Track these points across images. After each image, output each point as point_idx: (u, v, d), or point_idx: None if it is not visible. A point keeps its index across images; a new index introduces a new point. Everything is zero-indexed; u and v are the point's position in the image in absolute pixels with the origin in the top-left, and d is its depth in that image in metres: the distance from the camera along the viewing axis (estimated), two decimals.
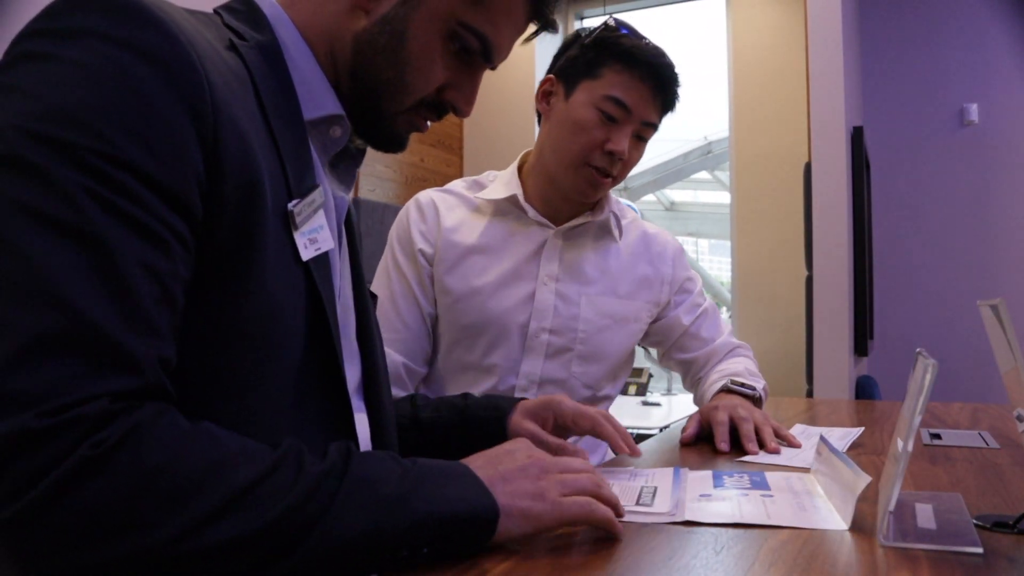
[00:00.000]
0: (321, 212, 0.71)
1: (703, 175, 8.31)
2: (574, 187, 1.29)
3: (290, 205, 0.67)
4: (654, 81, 1.24)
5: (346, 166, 0.81)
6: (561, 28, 4.45)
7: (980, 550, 0.62)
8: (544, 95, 1.32)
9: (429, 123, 0.80)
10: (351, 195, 0.83)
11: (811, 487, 0.84)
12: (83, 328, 0.50)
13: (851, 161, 2.98)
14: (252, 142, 0.64)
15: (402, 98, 0.75)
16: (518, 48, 0.82)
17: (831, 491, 0.78)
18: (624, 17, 1.29)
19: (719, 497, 0.79)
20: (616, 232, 1.39)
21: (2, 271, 0.51)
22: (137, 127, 0.56)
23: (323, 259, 0.71)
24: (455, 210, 1.36)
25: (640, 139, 1.30)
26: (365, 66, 0.74)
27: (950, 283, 3.68)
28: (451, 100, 0.78)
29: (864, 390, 3.02)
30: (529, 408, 1.00)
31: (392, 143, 0.80)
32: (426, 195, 1.37)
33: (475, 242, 1.32)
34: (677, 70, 1.28)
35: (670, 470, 0.91)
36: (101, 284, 0.52)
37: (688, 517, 0.69)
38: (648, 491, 0.81)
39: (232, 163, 0.61)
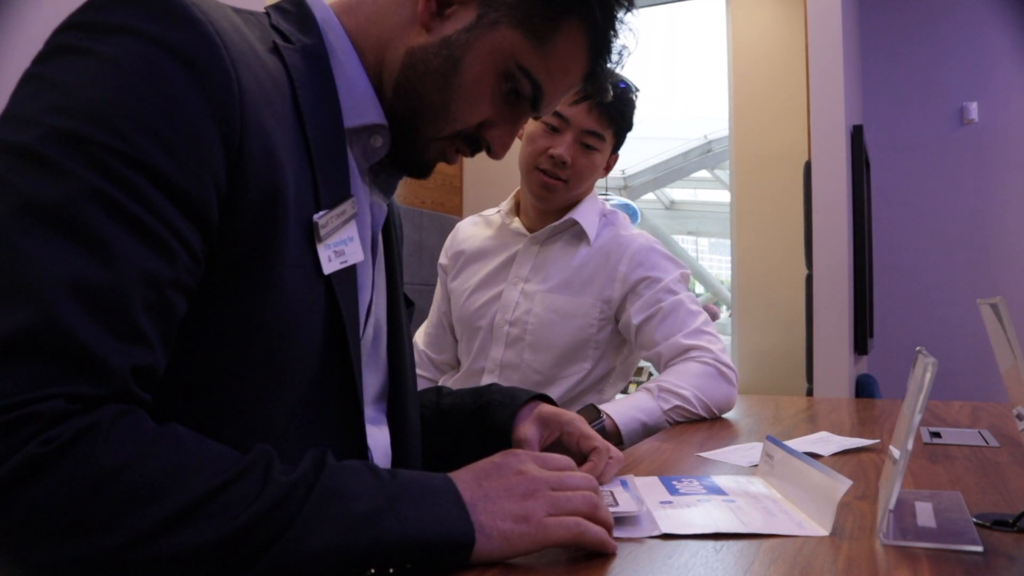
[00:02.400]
0: (352, 224, 0.70)
1: (703, 174, 8.31)
2: (531, 190, 1.54)
3: (316, 216, 0.66)
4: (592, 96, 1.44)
5: (388, 175, 0.79)
6: None
7: (980, 548, 0.62)
8: None
9: (460, 156, 0.78)
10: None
11: (766, 490, 0.82)
12: (53, 330, 0.49)
13: (851, 160, 2.98)
14: (280, 150, 0.62)
15: (442, 124, 0.74)
16: None
17: (796, 496, 0.76)
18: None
19: (683, 504, 0.76)
20: (589, 236, 1.56)
21: None
22: (159, 128, 0.55)
23: (348, 272, 0.69)
24: (473, 228, 1.70)
25: (588, 147, 1.50)
26: (412, 83, 0.72)
27: (950, 281, 3.68)
28: (489, 139, 0.76)
29: (864, 388, 3.01)
30: (540, 414, 0.98)
31: (417, 168, 0.78)
32: (463, 220, 1.75)
33: (473, 252, 1.65)
34: (623, 87, 1.49)
35: (616, 481, 0.88)
36: (87, 286, 0.51)
37: (664, 529, 0.67)
38: (606, 495, 0.77)
39: (256, 171, 0.60)
